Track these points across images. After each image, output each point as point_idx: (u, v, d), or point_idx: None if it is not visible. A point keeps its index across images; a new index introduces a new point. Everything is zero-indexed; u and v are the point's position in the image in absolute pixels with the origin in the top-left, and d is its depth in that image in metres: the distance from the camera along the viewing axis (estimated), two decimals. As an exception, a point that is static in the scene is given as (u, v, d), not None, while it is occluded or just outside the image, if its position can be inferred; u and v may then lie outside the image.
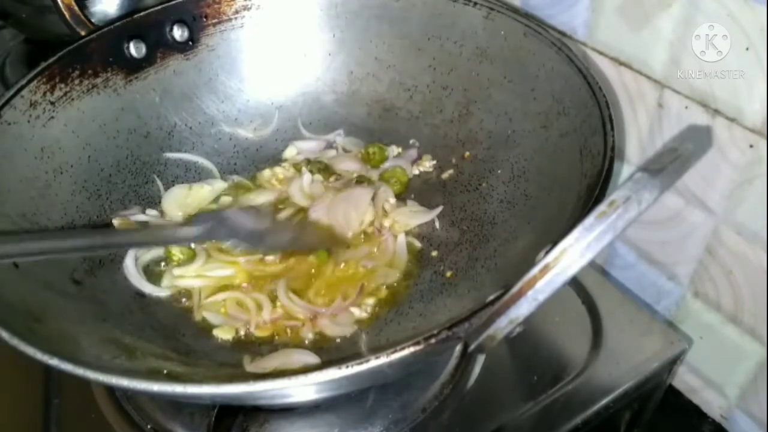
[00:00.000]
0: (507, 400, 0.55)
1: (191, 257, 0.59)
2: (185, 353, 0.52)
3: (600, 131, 0.48)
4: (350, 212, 0.61)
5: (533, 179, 0.58)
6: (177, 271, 0.58)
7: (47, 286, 0.50)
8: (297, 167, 0.68)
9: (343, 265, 0.59)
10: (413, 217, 0.62)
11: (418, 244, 0.61)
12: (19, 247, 0.47)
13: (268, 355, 0.52)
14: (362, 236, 0.61)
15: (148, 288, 0.57)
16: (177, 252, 0.59)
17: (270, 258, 0.59)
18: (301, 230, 0.61)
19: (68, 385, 0.57)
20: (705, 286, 0.60)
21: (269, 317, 0.55)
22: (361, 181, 0.66)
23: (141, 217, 0.62)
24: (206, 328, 0.55)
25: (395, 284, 0.58)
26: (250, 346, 0.54)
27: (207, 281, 0.58)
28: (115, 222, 0.60)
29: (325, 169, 0.67)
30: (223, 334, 0.54)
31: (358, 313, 0.56)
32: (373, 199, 0.62)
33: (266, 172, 0.68)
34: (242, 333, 0.55)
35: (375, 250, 0.60)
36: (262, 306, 0.56)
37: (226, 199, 0.66)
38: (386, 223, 0.62)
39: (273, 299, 0.57)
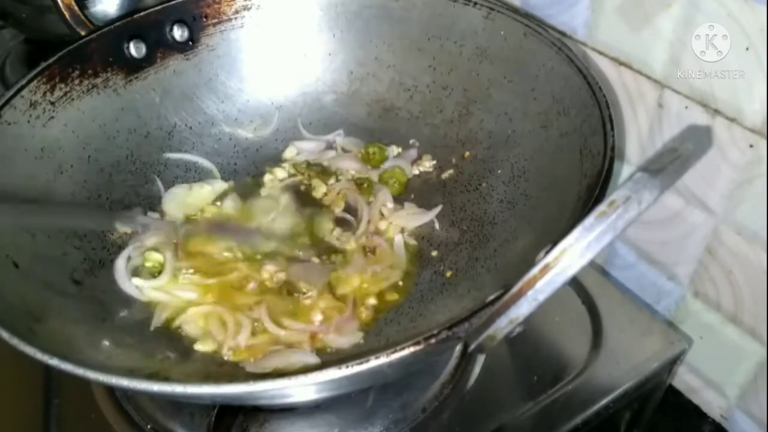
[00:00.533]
0: (507, 400, 0.55)
1: (160, 268, 0.58)
2: (185, 353, 0.52)
3: (600, 131, 0.48)
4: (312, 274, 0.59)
5: (533, 179, 0.58)
6: (148, 282, 0.57)
7: (47, 286, 0.50)
8: (298, 168, 0.68)
9: (343, 289, 0.57)
10: (411, 219, 0.62)
11: (413, 242, 0.61)
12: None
13: (268, 355, 0.52)
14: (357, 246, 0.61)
15: (133, 291, 0.56)
16: (152, 259, 0.58)
17: (251, 286, 0.57)
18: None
19: (68, 385, 0.57)
20: (705, 286, 0.60)
21: (244, 343, 0.53)
22: (361, 183, 0.66)
23: (142, 219, 0.61)
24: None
25: (398, 284, 0.58)
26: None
27: (171, 298, 0.56)
28: (117, 224, 0.60)
29: (323, 172, 0.67)
30: (203, 347, 0.53)
31: (363, 315, 0.55)
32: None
33: (267, 176, 0.67)
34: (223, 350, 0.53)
35: (372, 256, 0.60)
36: (241, 330, 0.53)
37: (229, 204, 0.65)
38: (382, 226, 0.62)
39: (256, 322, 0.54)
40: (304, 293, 0.57)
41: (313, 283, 0.57)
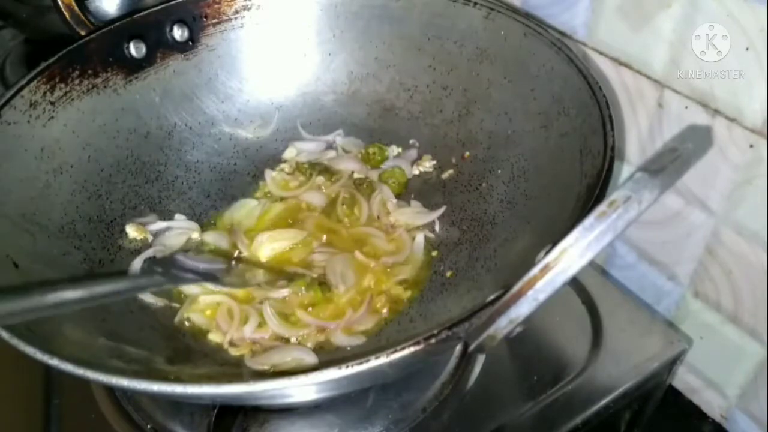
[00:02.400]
0: (507, 400, 0.55)
1: None
2: (185, 353, 0.52)
3: (600, 131, 0.48)
4: (347, 272, 0.59)
5: (533, 179, 0.58)
6: None
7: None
8: (302, 170, 0.68)
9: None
10: (416, 217, 0.62)
11: (431, 234, 0.61)
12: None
13: (267, 351, 0.52)
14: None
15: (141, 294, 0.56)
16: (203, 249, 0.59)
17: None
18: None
19: (68, 385, 0.57)
20: (705, 286, 0.60)
21: (249, 335, 0.53)
22: (360, 183, 0.66)
23: (155, 226, 0.61)
24: (204, 330, 0.55)
25: (413, 280, 0.58)
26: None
27: (201, 291, 0.57)
28: (128, 228, 0.60)
29: (325, 171, 0.67)
30: (214, 338, 0.54)
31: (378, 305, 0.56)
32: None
33: (267, 179, 0.67)
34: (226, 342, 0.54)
35: (393, 246, 0.60)
36: (247, 321, 0.54)
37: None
38: (392, 219, 0.62)
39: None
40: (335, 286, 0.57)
41: (347, 281, 0.57)
